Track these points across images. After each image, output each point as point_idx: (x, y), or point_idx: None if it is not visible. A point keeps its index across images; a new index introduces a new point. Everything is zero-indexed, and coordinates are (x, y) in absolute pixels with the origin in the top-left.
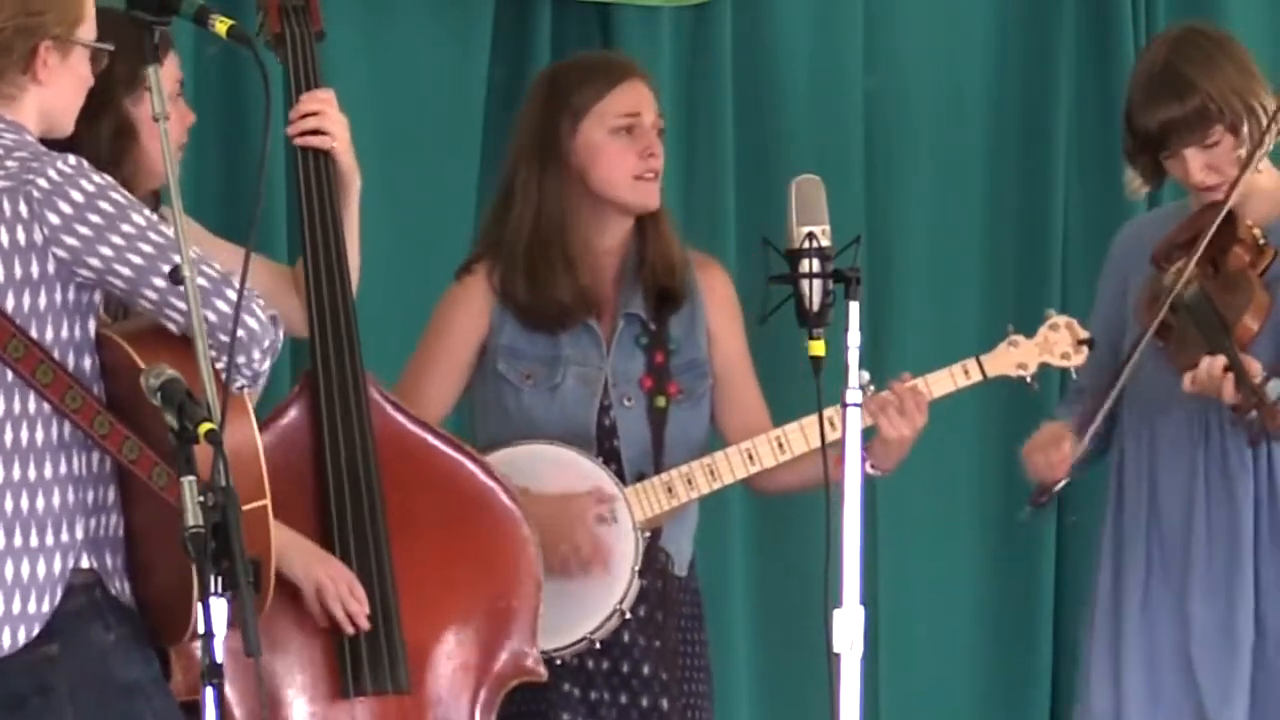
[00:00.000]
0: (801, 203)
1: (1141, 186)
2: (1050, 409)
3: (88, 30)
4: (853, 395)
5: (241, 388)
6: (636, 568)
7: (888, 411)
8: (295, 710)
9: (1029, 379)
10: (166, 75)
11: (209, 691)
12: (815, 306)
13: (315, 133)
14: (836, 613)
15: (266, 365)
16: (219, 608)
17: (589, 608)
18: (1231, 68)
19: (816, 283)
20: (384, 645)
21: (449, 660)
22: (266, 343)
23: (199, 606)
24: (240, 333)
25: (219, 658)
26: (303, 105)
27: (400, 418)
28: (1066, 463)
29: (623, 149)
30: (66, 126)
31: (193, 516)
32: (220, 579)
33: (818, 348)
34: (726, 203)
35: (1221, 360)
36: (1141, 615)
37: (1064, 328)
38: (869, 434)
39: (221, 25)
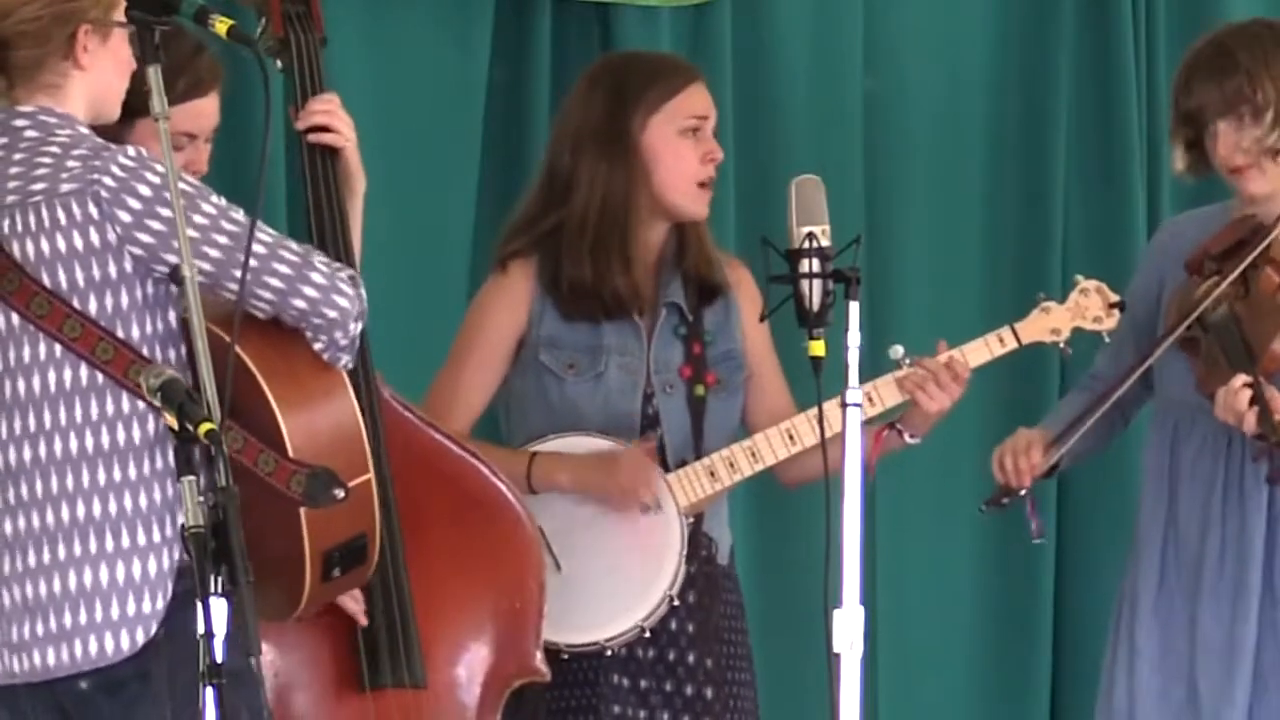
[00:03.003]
0: (801, 203)
1: (1184, 169)
2: (1055, 406)
3: (123, 13)
4: (852, 395)
5: (346, 365)
6: (684, 553)
7: (926, 387)
8: (310, 701)
9: (1063, 344)
10: (204, 115)
11: (209, 691)
12: (815, 306)
13: (325, 130)
14: (836, 613)
15: (360, 330)
16: (219, 607)
17: (638, 596)
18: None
19: (816, 283)
20: (401, 640)
21: (455, 658)
22: (357, 310)
23: (200, 606)
24: (333, 313)
25: (220, 657)
26: (311, 106)
27: (409, 417)
28: (1033, 472)
29: (688, 151)
30: (114, 111)
31: (193, 516)
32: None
33: (818, 348)
34: (726, 203)
35: (1240, 383)
36: (1153, 619)
37: (1094, 292)
38: (903, 407)
39: (221, 25)
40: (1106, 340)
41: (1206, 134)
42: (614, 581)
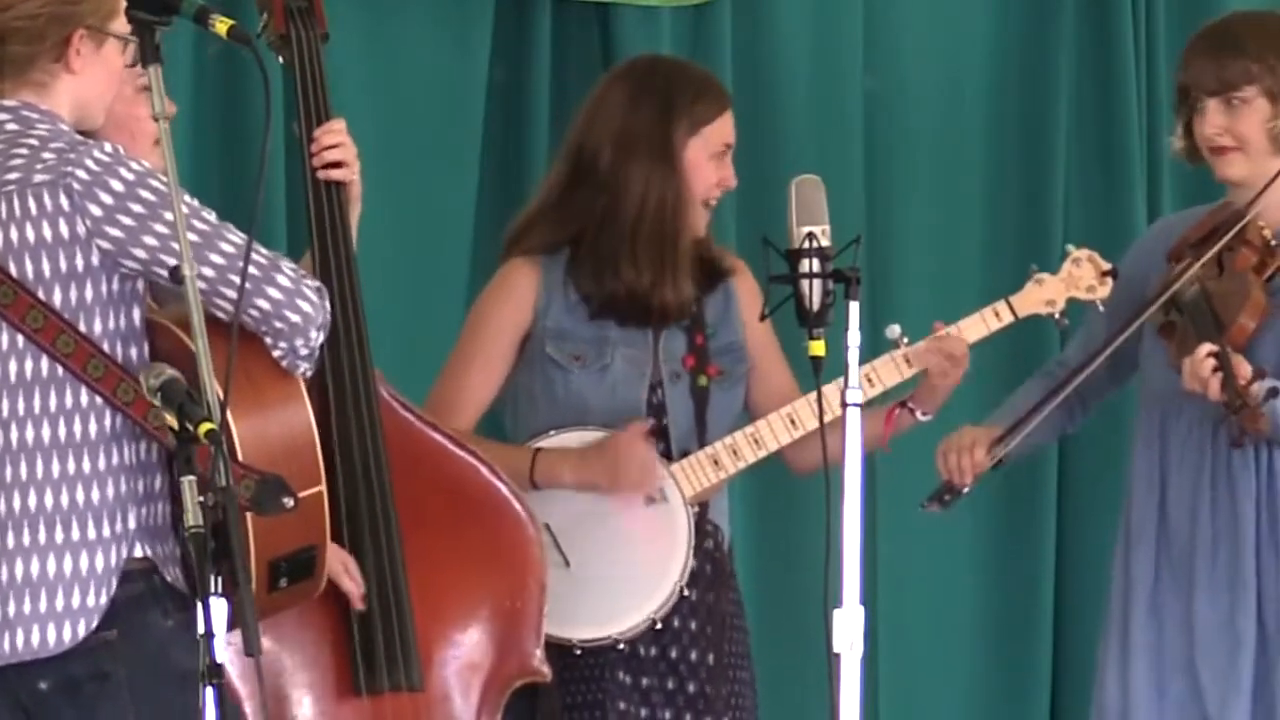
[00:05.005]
0: (801, 203)
1: (1180, 148)
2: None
3: (121, 23)
4: (853, 395)
5: (304, 373)
6: (691, 543)
7: (932, 360)
8: (307, 705)
9: (1058, 315)
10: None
11: (209, 691)
12: (815, 306)
13: (337, 165)
14: (836, 613)
15: (321, 340)
16: (219, 607)
17: (648, 588)
18: None
19: (816, 283)
20: (398, 642)
21: (455, 659)
22: (320, 319)
23: (200, 606)
24: (295, 318)
25: (219, 657)
26: (322, 138)
27: (409, 417)
28: (976, 471)
29: (711, 173)
30: (98, 118)
31: (193, 516)
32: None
33: (818, 348)
34: (727, 203)
35: (1205, 351)
36: (1149, 615)
37: (1086, 261)
38: (909, 385)
39: (221, 25)
40: (1101, 309)
41: (1196, 111)
42: (623, 575)
